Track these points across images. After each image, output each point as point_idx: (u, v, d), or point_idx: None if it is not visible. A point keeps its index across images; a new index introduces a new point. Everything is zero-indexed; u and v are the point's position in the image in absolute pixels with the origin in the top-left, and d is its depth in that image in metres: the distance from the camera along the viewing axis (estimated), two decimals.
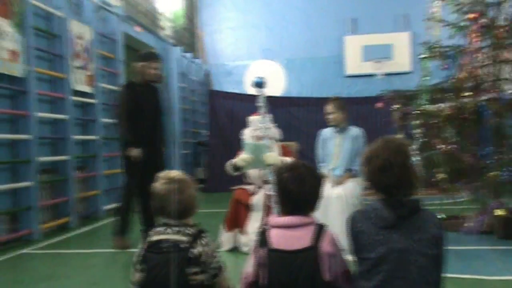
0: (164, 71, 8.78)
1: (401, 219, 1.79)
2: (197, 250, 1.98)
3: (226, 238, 4.55)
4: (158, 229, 2.07)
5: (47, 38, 6.04)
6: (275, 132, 4.57)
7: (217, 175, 9.20)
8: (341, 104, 4.68)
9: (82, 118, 6.69)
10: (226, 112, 9.63)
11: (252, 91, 10.96)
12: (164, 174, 2.12)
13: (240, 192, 4.65)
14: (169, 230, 2.03)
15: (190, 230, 2.03)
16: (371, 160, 1.86)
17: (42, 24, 5.94)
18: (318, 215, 4.29)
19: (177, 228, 2.03)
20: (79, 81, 6.42)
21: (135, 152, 4.57)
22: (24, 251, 4.78)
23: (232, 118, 9.52)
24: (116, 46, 7.46)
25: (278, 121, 4.73)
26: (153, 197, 2.09)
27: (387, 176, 1.82)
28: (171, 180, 2.06)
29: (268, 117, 4.06)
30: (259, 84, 3.97)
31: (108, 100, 7.24)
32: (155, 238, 2.04)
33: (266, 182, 4.54)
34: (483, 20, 4.79)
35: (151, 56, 4.85)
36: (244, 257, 4.15)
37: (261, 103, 4.05)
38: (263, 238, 1.94)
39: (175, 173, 2.12)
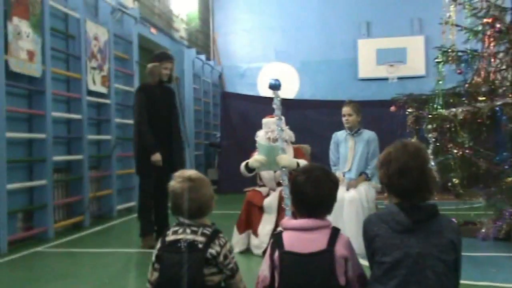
0: (178, 72, 8.82)
1: (418, 223, 1.78)
2: (215, 250, 1.98)
3: (238, 240, 4.55)
4: (175, 228, 2.07)
5: (64, 39, 6.10)
6: (289, 134, 4.57)
7: (229, 176, 9.20)
8: (358, 107, 4.68)
9: (97, 118, 6.74)
10: (239, 113, 9.63)
11: (265, 93, 10.97)
12: (180, 172, 2.12)
13: (253, 194, 4.65)
14: (186, 230, 2.03)
15: (208, 230, 2.03)
16: (389, 163, 1.85)
17: (59, 25, 6.00)
18: (331, 218, 4.28)
19: (194, 228, 2.03)
20: (95, 82, 6.47)
21: (157, 156, 4.61)
22: (39, 249, 4.83)
23: (245, 119, 9.52)
24: (131, 47, 7.51)
25: (291, 123, 4.72)
26: (170, 195, 2.09)
27: (405, 180, 1.81)
28: (186, 179, 2.06)
29: (283, 119, 4.05)
30: (275, 86, 3.97)
31: (123, 101, 7.29)
32: (172, 237, 2.04)
33: (279, 184, 4.53)
34: (499, 25, 4.74)
35: (164, 56, 4.89)
36: (256, 259, 4.16)
37: (276, 105, 4.05)
38: (277, 240, 1.93)
39: (191, 172, 2.12)
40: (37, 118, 5.35)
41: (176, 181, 2.08)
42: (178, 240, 2.01)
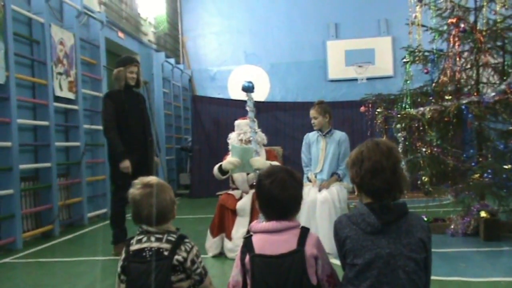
0: (147, 76, 8.74)
1: (388, 224, 1.79)
2: (181, 256, 1.96)
3: (211, 244, 4.53)
4: (139, 237, 2.03)
5: (28, 44, 5.97)
6: (261, 136, 4.58)
7: (202, 180, 9.19)
8: (325, 108, 4.70)
9: (65, 124, 6.62)
10: (210, 117, 9.62)
11: (236, 95, 10.94)
12: (139, 179, 2.09)
13: (226, 197, 4.64)
14: (151, 238, 2.00)
15: (173, 236, 2.01)
16: (361, 162, 1.85)
17: (23, 30, 5.87)
18: (305, 219, 4.30)
19: (158, 235, 2.01)
20: (61, 87, 6.36)
21: (125, 163, 4.57)
22: (6, 260, 4.70)
23: (216, 123, 9.51)
24: (98, 52, 7.41)
25: (263, 125, 4.74)
26: (130, 203, 2.06)
27: (377, 179, 1.81)
28: (145, 185, 2.04)
29: (256, 121, 4.07)
30: (248, 88, 3.99)
31: (91, 106, 7.19)
32: (136, 246, 2.00)
33: (252, 186, 4.53)
34: (463, 25, 4.86)
35: (128, 60, 4.84)
36: (230, 263, 4.14)
37: (249, 107, 4.06)
38: (247, 244, 1.93)
39: (150, 178, 2.10)
40: (2, 125, 5.22)
41: (135, 188, 2.05)
42: (143, 249, 1.98)
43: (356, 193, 1.94)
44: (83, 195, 6.66)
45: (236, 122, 4.71)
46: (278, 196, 1.92)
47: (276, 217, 1.94)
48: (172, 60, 10.66)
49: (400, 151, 4.86)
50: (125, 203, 4.67)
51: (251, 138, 4.26)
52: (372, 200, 1.85)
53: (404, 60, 5.24)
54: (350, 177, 1.97)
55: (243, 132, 4.56)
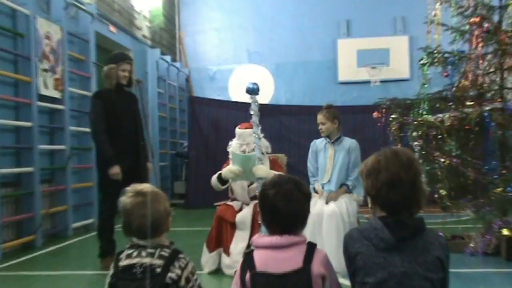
0: (140, 74, 8.76)
1: (403, 240, 1.79)
2: (175, 274, 1.95)
3: (208, 259, 4.52)
4: (129, 251, 2.02)
5: (11, 38, 5.99)
6: (265, 145, 4.57)
7: (198, 189, 9.18)
8: (334, 113, 4.70)
9: (49, 125, 6.63)
10: (209, 120, 9.63)
11: (237, 97, 10.95)
12: (132, 187, 2.08)
13: (224, 209, 4.64)
14: (142, 253, 1.99)
15: (166, 251, 2.00)
16: (378, 173, 1.85)
17: (6, 22, 5.89)
18: (310, 234, 4.29)
19: (150, 250, 1.99)
20: (47, 85, 6.38)
21: (115, 169, 4.58)
22: None
23: (215, 127, 9.53)
24: (87, 47, 7.43)
25: (266, 131, 4.74)
26: (121, 212, 2.05)
27: (394, 192, 1.81)
28: (138, 193, 2.03)
29: (260, 126, 4.08)
30: (253, 90, 4.01)
31: (79, 106, 7.20)
32: (126, 262, 1.99)
33: (253, 197, 4.53)
34: (486, 25, 4.87)
35: (121, 57, 4.86)
36: (227, 280, 4.14)
37: (253, 110, 4.08)
38: (248, 260, 1.92)
39: (143, 185, 2.09)
40: None
41: (126, 196, 2.04)
42: (133, 265, 1.97)
43: (369, 206, 1.94)
44: (69, 204, 6.66)
45: (238, 131, 4.69)
46: (283, 208, 1.92)
47: (280, 231, 1.94)
48: (168, 58, 10.68)
49: None
50: (114, 213, 4.68)
51: (254, 146, 4.26)
52: (387, 214, 1.85)
53: (422, 61, 5.25)
54: (364, 188, 1.96)
55: (246, 143, 4.55)
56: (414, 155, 1.92)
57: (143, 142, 4.92)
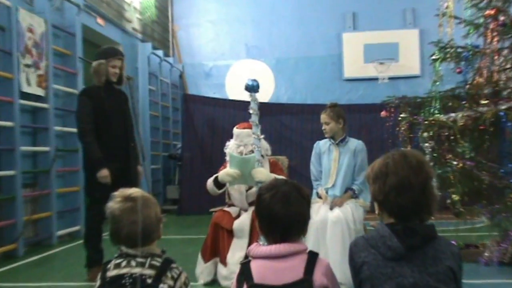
0: (130, 71, 8.77)
1: (412, 249, 1.79)
2: (167, 285, 1.96)
3: (203, 270, 4.53)
4: (117, 261, 2.02)
5: None
6: (264, 146, 4.57)
7: (193, 194, 9.19)
8: (339, 112, 4.71)
9: (32, 125, 6.64)
10: (204, 120, 9.64)
11: (235, 95, 10.93)
12: (120, 191, 2.09)
13: (221, 215, 4.64)
14: (131, 262, 2.00)
15: (157, 261, 2.01)
16: (386, 177, 1.86)
17: None
18: (313, 242, 4.31)
19: (140, 259, 2.00)
20: (29, 82, 6.38)
21: (103, 172, 4.59)
22: None
23: (211, 127, 9.54)
24: (74, 41, 7.44)
25: (265, 131, 4.75)
26: (108, 219, 2.06)
27: (404, 198, 1.82)
28: (127, 198, 2.04)
29: (260, 126, 4.09)
30: (253, 88, 4.02)
31: (64, 105, 7.21)
32: (114, 272, 1.99)
33: (252, 203, 4.54)
34: (502, 18, 4.88)
35: (111, 53, 4.87)
36: None
37: (253, 109, 4.09)
38: (245, 271, 1.92)
39: (133, 190, 2.10)
40: None
41: (114, 202, 2.05)
42: (122, 276, 1.97)
43: (376, 212, 1.95)
44: (53, 209, 6.66)
45: (236, 131, 4.70)
46: (280, 212, 1.92)
47: (278, 239, 1.94)
48: (160, 52, 10.69)
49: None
50: (102, 219, 4.68)
51: (253, 148, 4.26)
52: (395, 221, 1.86)
53: (433, 57, 5.26)
54: (370, 193, 1.97)
55: (244, 144, 4.56)
56: (424, 158, 1.93)
57: (133, 144, 4.93)
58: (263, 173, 4.14)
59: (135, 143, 4.96)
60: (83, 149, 4.87)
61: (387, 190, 1.85)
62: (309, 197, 2.04)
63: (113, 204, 2.05)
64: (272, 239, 1.96)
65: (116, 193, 2.09)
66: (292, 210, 1.93)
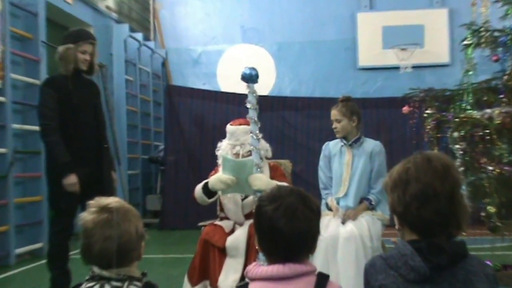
0: (104, 57, 8.78)
1: (439, 270, 1.80)
2: None
3: None
4: (89, 284, 2.03)
5: None
6: (264, 147, 4.58)
7: (178, 205, 9.19)
8: (352, 107, 4.72)
9: None
10: (192, 116, 9.64)
11: (229, 87, 10.91)
12: (96, 201, 2.09)
13: (211, 230, 4.63)
14: (105, 286, 2.00)
15: (136, 285, 2.01)
16: (407, 185, 1.87)
17: None
18: (322, 262, 4.31)
19: (116, 283, 2.01)
20: None
21: (71, 179, 4.59)
22: None
23: (200, 125, 9.54)
24: (36, 22, 7.43)
25: (265, 130, 4.76)
26: (80, 233, 2.06)
27: (428, 209, 1.83)
28: (102, 209, 2.04)
29: (259, 124, 4.10)
30: (250, 77, 4.02)
31: (24, 98, 7.20)
32: None
33: (248, 216, 4.54)
34: None
35: (81, 36, 4.87)
36: None
37: (251, 103, 4.09)
38: None
39: (110, 199, 2.10)
40: None
41: (88, 212, 2.05)
42: None
43: (396, 227, 1.95)
44: (10, 223, 6.65)
45: (230, 128, 4.69)
46: (284, 228, 1.93)
47: (282, 258, 1.95)
48: (139, 36, 10.70)
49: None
50: (69, 235, 4.70)
51: (251, 149, 4.27)
52: (418, 237, 1.87)
53: (465, 42, 5.27)
54: (388, 204, 1.97)
55: (240, 143, 4.55)
56: (451, 162, 1.94)
57: (106, 145, 4.93)
58: (262, 180, 4.14)
59: (109, 144, 4.97)
60: (47, 151, 4.86)
61: (408, 200, 1.86)
62: (319, 209, 2.05)
63: (86, 215, 2.05)
64: (274, 259, 1.97)
65: (91, 202, 2.09)
66: (299, 226, 1.94)
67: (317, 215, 2.02)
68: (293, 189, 2.05)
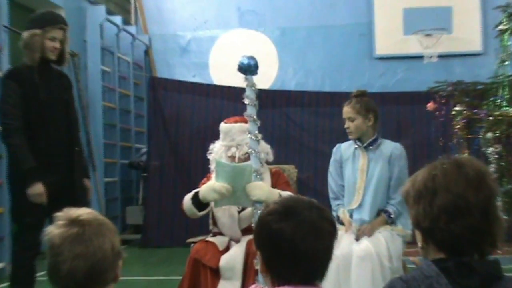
0: (76, 45, 8.78)
1: None
2: None
3: None
4: None
5: None
6: (264, 149, 4.58)
7: (163, 218, 9.19)
8: (368, 103, 4.73)
9: None
10: (180, 114, 9.64)
11: (223, 79, 10.93)
12: (65, 212, 2.08)
13: (203, 248, 4.64)
14: None
15: None
16: (434, 195, 1.87)
17: None
18: (333, 285, 4.32)
19: None
20: None
21: (37, 188, 4.59)
22: None
23: (189, 123, 9.55)
24: None
25: (267, 129, 4.77)
26: (47, 250, 2.04)
27: (458, 224, 1.83)
28: (72, 222, 2.03)
29: (258, 123, 4.10)
30: (249, 68, 4.03)
31: None
32: None
33: (246, 231, 4.54)
34: None
35: (49, 20, 4.88)
36: None
37: (249, 98, 4.09)
38: None
39: (83, 211, 2.09)
40: None
41: (56, 226, 2.04)
42: None
43: (419, 244, 1.95)
44: None
45: (224, 127, 4.69)
46: (310, 249, 1.93)
47: (298, 280, 1.95)
48: (117, 19, 10.70)
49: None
50: (35, 253, 4.69)
51: (249, 152, 4.27)
52: (445, 255, 1.87)
53: (500, 27, 5.29)
54: (411, 217, 1.97)
55: (236, 144, 4.55)
56: (485, 168, 1.93)
57: (79, 147, 4.93)
58: (262, 189, 4.13)
59: (82, 147, 4.97)
60: (9, 155, 4.86)
61: (436, 214, 1.86)
62: (335, 224, 2.06)
63: (53, 229, 2.03)
64: (282, 281, 1.96)
65: (59, 214, 2.08)
66: (324, 246, 1.96)
67: (334, 230, 2.03)
68: (311, 202, 2.04)
